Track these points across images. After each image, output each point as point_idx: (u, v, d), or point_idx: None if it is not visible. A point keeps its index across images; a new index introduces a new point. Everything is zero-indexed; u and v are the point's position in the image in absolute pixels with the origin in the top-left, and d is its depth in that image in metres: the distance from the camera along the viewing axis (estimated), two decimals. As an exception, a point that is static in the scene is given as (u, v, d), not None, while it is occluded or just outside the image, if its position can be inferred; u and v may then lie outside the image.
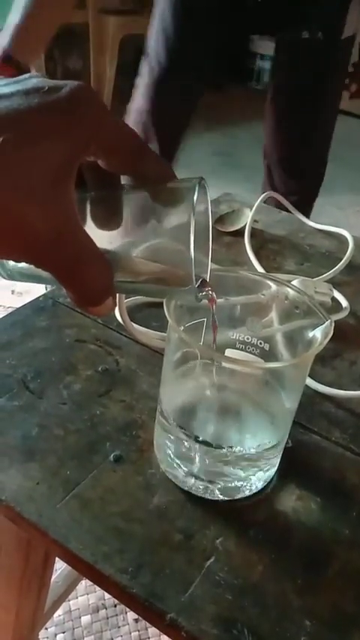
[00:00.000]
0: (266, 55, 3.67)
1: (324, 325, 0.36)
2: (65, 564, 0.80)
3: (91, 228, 0.28)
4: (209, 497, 0.39)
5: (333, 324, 0.36)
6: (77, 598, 0.95)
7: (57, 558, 0.62)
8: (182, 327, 0.38)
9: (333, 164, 2.96)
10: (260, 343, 0.41)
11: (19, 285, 1.47)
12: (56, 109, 0.24)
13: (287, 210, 0.81)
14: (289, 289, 0.40)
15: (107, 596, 0.95)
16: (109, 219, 0.29)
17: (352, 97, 3.43)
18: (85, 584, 0.95)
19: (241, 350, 0.42)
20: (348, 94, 3.43)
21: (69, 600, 0.94)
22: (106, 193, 0.29)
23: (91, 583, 0.94)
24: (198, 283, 0.30)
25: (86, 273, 0.26)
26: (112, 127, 0.26)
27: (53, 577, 0.74)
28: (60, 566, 0.82)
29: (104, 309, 0.27)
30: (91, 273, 0.26)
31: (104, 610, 0.94)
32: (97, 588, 0.96)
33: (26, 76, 0.26)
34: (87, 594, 0.95)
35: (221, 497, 0.39)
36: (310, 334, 0.36)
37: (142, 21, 2.94)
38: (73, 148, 0.25)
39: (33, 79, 0.25)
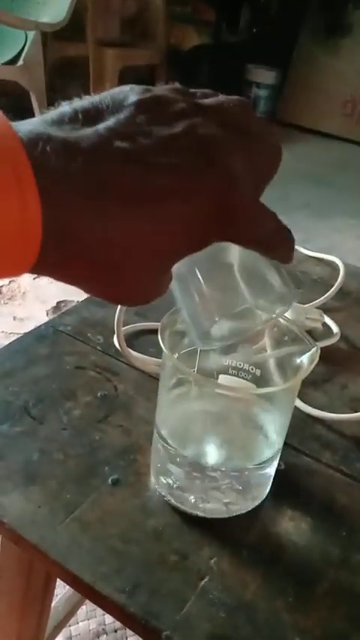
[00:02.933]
0: (262, 83, 3.76)
1: (310, 352, 0.38)
2: (66, 589, 0.81)
3: None
4: (203, 516, 0.41)
5: (319, 351, 0.38)
6: (78, 624, 0.95)
7: (57, 584, 0.63)
8: (177, 355, 0.40)
9: (330, 189, 3.00)
10: (252, 369, 0.43)
11: (21, 312, 1.50)
12: (210, 192, 0.23)
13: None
14: (278, 318, 0.42)
15: (108, 621, 0.95)
16: None
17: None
18: (85, 609, 0.95)
19: (234, 375, 0.44)
20: (343, 118, 3.50)
21: (70, 626, 0.94)
22: None
23: (92, 609, 0.95)
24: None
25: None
26: (253, 220, 0.25)
27: (54, 602, 0.74)
28: (60, 592, 0.82)
29: None
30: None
31: (105, 635, 0.94)
32: (98, 614, 0.96)
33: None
34: (88, 619, 0.95)
35: (215, 515, 0.41)
36: (298, 360, 0.38)
37: (139, 52, 3.04)
38: (206, 234, 0.24)
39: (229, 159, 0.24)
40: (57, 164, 0.20)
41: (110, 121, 0.22)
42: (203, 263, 0.28)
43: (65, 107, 0.23)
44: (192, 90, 0.27)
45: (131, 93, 0.24)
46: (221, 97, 0.26)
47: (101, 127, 0.22)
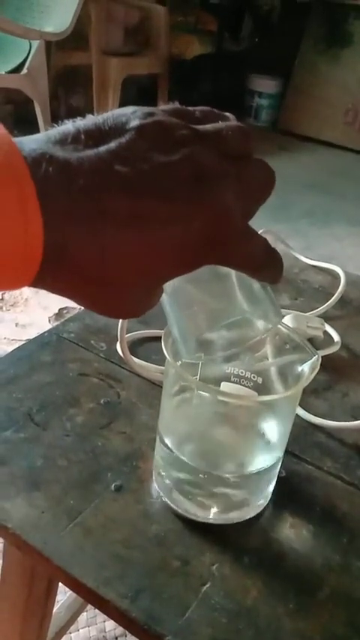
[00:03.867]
0: (264, 92, 3.78)
1: (311, 360, 0.38)
2: (67, 595, 0.81)
3: None
4: (205, 522, 0.41)
5: (320, 359, 0.38)
6: (78, 630, 0.95)
7: (59, 589, 0.63)
8: (179, 362, 0.41)
9: (330, 197, 3.01)
10: (254, 377, 0.44)
11: (23, 318, 1.51)
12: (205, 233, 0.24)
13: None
14: (279, 326, 0.42)
15: (108, 628, 0.95)
16: None
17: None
18: (86, 616, 0.95)
19: (236, 383, 0.44)
20: (345, 127, 3.51)
21: (70, 633, 0.94)
22: None
23: (92, 615, 0.95)
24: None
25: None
26: (243, 245, 0.26)
27: (55, 608, 0.74)
28: (62, 598, 0.82)
29: None
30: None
31: (105, 643, 0.94)
32: (99, 620, 0.96)
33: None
34: (88, 627, 0.95)
35: (216, 522, 0.41)
36: (299, 368, 0.39)
37: (142, 62, 3.06)
38: (197, 258, 0.25)
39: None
40: (58, 186, 0.21)
41: (112, 145, 0.23)
42: (192, 278, 0.29)
43: (69, 126, 0.23)
44: (192, 109, 0.27)
45: (133, 116, 0.24)
46: (221, 124, 0.26)
47: (103, 149, 0.23)
